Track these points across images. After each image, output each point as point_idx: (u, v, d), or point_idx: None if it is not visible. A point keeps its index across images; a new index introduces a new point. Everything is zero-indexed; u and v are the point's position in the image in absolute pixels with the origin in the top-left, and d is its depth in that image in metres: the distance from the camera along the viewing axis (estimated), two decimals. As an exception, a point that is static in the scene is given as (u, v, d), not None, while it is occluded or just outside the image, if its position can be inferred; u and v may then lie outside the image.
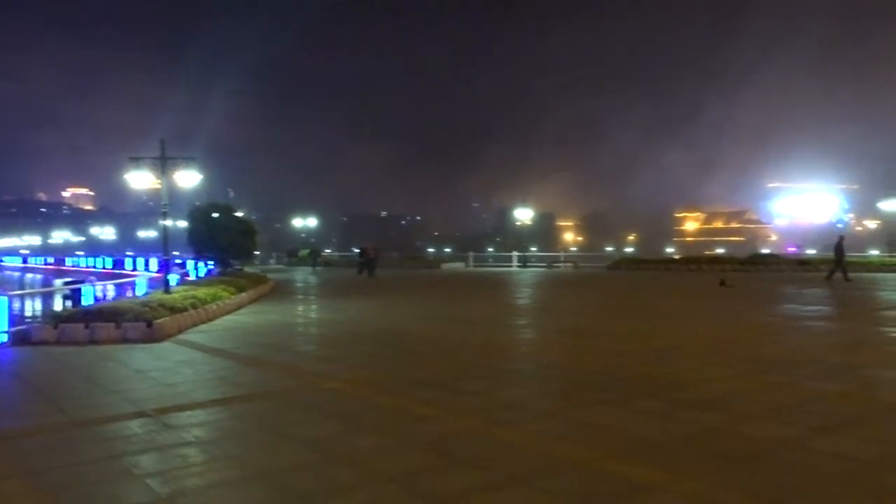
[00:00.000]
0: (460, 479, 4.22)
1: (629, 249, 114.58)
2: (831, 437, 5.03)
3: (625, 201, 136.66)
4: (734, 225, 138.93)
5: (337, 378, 7.63)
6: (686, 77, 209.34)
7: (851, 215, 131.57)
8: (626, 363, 8.22)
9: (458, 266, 48.58)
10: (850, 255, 42.65)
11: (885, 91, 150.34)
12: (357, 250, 45.54)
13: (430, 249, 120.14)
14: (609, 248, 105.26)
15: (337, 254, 72.41)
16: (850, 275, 25.29)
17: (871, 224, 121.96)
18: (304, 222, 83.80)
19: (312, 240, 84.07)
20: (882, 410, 5.82)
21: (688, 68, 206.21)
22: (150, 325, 11.25)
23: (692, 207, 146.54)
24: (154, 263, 45.14)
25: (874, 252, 48.19)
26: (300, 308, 17.42)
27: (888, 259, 34.82)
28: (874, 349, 9.45)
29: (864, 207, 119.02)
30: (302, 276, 38.09)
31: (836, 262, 25.53)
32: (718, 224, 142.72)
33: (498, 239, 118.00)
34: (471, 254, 50.47)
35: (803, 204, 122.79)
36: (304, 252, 58.14)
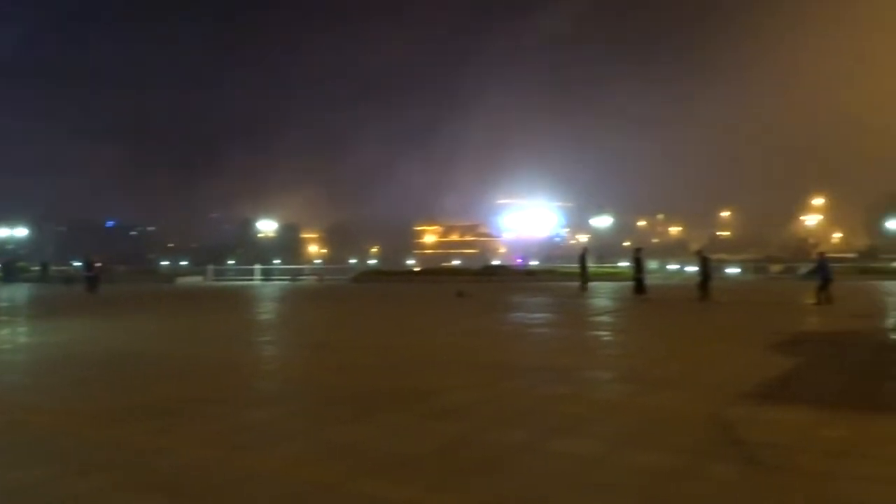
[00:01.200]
0: (198, 519, 3.80)
1: (373, 262, 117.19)
2: (564, 438, 5.42)
3: (368, 214, 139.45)
4: (469, 238, 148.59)
5: (49, 411, 6.63)
6: (426, 94, 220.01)
7: (567, 230, 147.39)
8: (373, 376, 8.22)
9: (196, 280, 45.90)
10: (565, 265, 47.80)
11: (596, 120, 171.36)
12: (80, 264, 40.80)
13: (165, 262, 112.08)
14: (353, 261, 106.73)
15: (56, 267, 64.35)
16: (567, 283, 28.26)
17: (583, 238, 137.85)
18: (12, 232, 73.53)
19: (23, 250, 73.93)
20: (602, 409, 6.42)
21: (428, 85, 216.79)
22: None
23: (431, 221, 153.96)
24: None
25: (590, 265, 54.52)
26: (4, 331, 15.09)
27: (598, 269, 39.38)
28: (591, 352, 10.54)
29: (578, 223, 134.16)
30: (7, 293, 33.25)
31: (581, 271, 28.33)
32: (455, 237, 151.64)
33: (240, 251, 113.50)
34: (210, 267, 47.99)
35: (527, 219, 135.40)
36: None
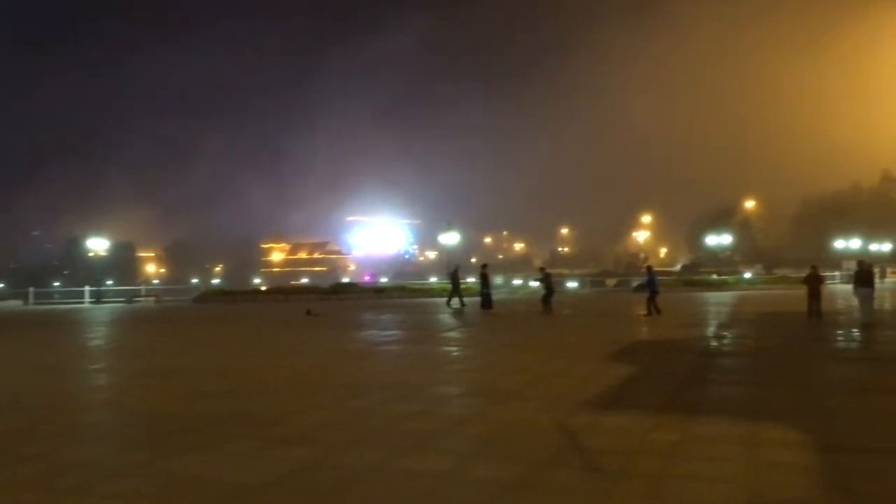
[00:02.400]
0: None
1: (216, 281, 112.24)
2: (414, 456, 5.42)
3: (211, 231, 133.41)
4: (317, 255, 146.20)
5: None
6: (271, 109, 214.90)
7: (416, 247, 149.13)
8: (217, 402, 7.84)
9: (14, 304, 41.90)
10: (415, 282, 48.35)
11: (442, 138, 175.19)
12: None
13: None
14: (195, 280, 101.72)
15: None
16: (417, 300, 28.46)
17: (432, 254, 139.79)
18: None
19: None
20: (452, 425, 6.50)
21: (273, 100, 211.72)
22: None
23: (279, 238, 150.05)
24: None
25: (433, 279, 55.34)
26: None
27: (447, 285, 40.06)
28: (440, 368, 10.69)
29: (426, 239, 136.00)
30: None
31: (453, 288, 27.98)
32: (303, 255, 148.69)
33: (66, 272, 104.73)
34: (31, 289, 43.90)
35: (377, 236, 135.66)
36: None
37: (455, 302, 26.15)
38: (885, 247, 72.89)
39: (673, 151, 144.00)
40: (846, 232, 70.78)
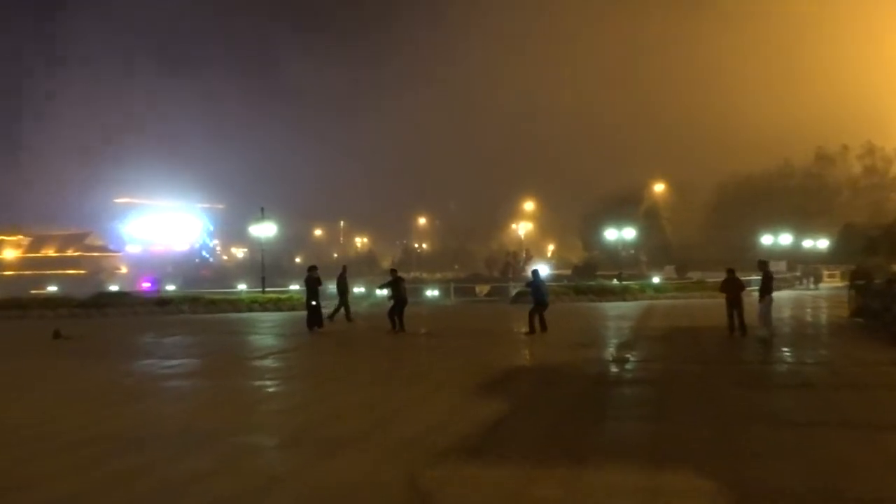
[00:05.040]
0: None
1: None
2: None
3: None
4: (72, 253, 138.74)
5: None
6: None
7: (217, 242, 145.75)
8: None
9: None
10: (216, 290, 46.97)
11: (248, 101, 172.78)
12: None
13: None
14: None
15: None
16: (219, 315, 27.74)
17: (239, 252, 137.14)
18: None
19: None
20: (261, 488, 6.39)
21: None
22: None
23: (12, 229, 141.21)
24: None
25: (242, 286, 54.10)
26: None
27: (261, 295, 39.40)
28: (248, 409, 10.49)
29: (232, 232, 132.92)
30: None
31: (339, 297, 27.33)
32: (50, 251, 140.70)
33: None
34: None
35: (161, 226, 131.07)
36: None
37: (350, 316, 26.57)
38: (822, 243, 77.14)
39: (563, 126, 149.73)
40: (774, 224, 75.25)
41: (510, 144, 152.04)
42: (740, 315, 19.63)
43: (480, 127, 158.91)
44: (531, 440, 7.93)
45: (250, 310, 35.00)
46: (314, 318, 23.30)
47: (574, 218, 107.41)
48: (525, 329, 21.04)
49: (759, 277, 20.44)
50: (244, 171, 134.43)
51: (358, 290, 62.55)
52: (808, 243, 76.15)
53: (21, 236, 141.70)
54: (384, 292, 27.24)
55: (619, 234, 68.04)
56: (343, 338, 21.86)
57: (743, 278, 21.04)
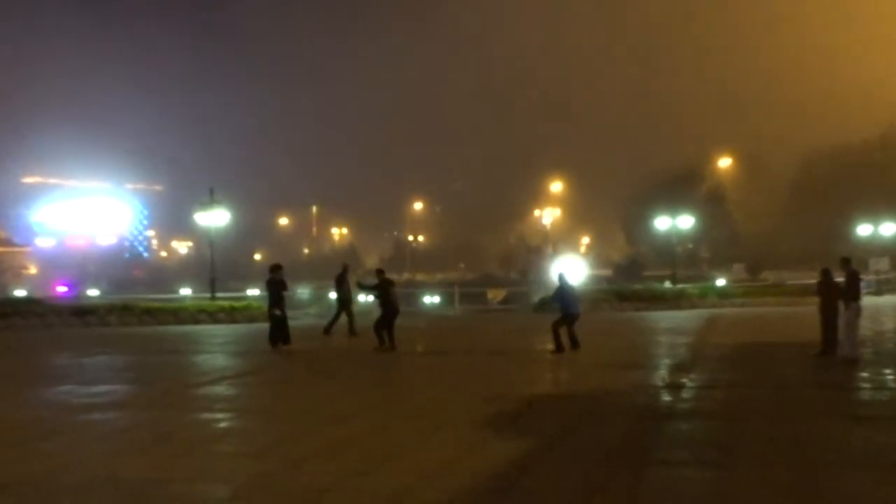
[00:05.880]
0: None
1: None
2: None
3: None
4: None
5: None
6: None
7: (153, 233, 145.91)
8: None
9: None
10: (151, 296, 46.86)
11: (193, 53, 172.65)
12: None
13: None
14: None
15: None
16: (158, 328, 27.66)
17: (182, 246, 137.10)
18: None
19: None
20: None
21: None
22: None
23: None
24: None
25: (186, 291, 54.09)
26: None
27: (210, 302, 39.31)
28: (192, 450, 10.45)
29: (173, 222, 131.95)
30: None
31: (339, 304, 27.06)
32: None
33: None
34: None
35: (80, 214, 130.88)
36: None
37: (354, 328, 26.35)
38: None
39: (602, 89, 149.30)
40: (875, 210, 73.31)
41: (534, 110, 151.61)
42: (833, 328, 19.50)
43: (495, 89, 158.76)
44: (557, 497, 7.89)
45: (196, 321, 35.00)
46: (279, 332, 23.21)
47: (615, 203, 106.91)
48: (550, 346, 20.97)
49: (862, 278, 20.26)
50: (189, 144, 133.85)
51: (335, 294, 62.36)
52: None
53: None
54: (369, 299, 27.12)
55: (673, 224, 66.79)
56: (316, 358, 21.87)
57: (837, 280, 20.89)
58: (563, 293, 21.58)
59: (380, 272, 24.79)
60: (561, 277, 22.24)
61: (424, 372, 19.31)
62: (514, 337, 27.17)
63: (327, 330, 26.39)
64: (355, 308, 28.14)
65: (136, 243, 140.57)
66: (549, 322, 22.22)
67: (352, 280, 27.44)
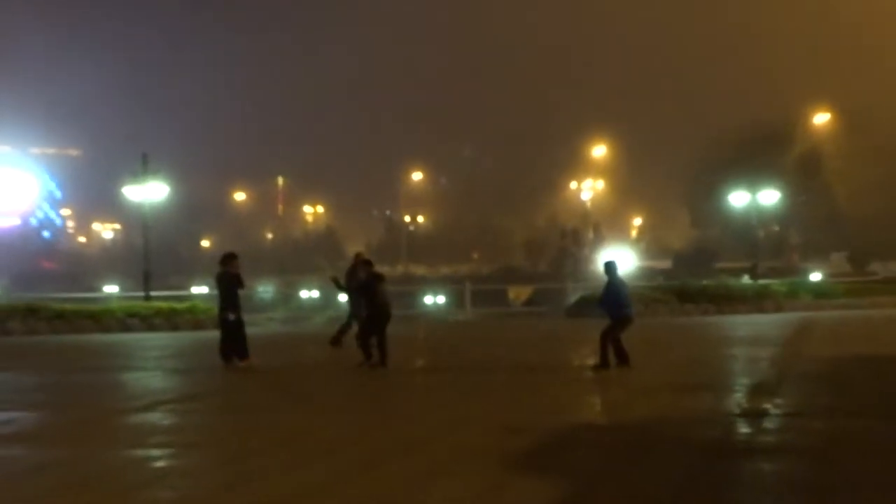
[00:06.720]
0: None
1: None
2: None
3: None
4: None
5: None
6: None
7: (69, 214, 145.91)
8: None
9: None
10: (65, 295, 47.00)
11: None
12: None
13: None
14: None
15: None
16: (77, 337, 27.64)
17: (107, 230, 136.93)
18: None
19: None
20: None
21: None
22: None
23: None
24: None
25: (112, 288, 54.33)
26: None
27: (143, 303, 39.40)
28: (120, 496, 10.45)
29: (94, 196, 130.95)
30: None
31: (350, 307, 26.73)
32: None
33: None
34: None
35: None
36: None
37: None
38: None
39: (660, 29, 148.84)
40: None
41: (569, 54, 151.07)
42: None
43: (517, 25, 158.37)
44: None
45: (125, 328, 35.11)
46: (232, 342, 23.09)
47: (676, 174, 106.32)
48: (593, 361, 20.97)
49: None
50: (114, 96, 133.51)
51: (308, 293, 62.50)
52: None
53: None
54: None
55: (753, 200, 66.11)
56: (282, 377, 21.87)
57: None
58: (615, 291, 21.30)
59: (366, 264, 24.42)
60: (610, 269, 21.86)
61: (426, 395, 19.33)
62: (544, 349, 27.14)
63: (337, 339, 26.33)
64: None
65: (44, 227, 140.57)
66: (588, 329, 22.14)
67: (327, 275, 27.46)
